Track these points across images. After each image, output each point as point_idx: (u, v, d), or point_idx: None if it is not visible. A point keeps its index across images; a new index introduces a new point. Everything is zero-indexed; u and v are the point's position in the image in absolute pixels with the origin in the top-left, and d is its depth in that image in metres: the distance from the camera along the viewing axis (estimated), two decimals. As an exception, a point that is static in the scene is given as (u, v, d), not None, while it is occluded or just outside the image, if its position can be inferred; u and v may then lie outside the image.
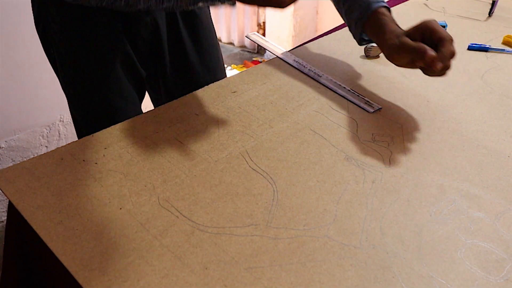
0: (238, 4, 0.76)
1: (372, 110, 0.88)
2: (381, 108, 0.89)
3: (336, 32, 1.16)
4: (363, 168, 0.75)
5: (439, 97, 0.92)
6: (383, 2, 0.90)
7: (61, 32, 0.91)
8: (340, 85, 0.94)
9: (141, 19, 0.94)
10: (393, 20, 0.89)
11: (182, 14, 1.01)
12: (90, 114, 0.97)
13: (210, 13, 1.11)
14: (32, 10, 0.95)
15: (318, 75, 0.97)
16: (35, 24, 0.96)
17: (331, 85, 0.94)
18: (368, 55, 1.04)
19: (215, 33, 1.13)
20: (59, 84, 0.99)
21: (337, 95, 0.91)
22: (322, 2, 2.68)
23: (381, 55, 1.05)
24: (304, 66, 0.99)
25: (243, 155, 0.76)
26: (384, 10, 0.89)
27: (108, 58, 0.93)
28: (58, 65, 0.96)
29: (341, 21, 1.22)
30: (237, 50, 3.03)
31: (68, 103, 1.00)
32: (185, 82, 1.06)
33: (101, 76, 0.94)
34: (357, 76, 0.98)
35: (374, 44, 1.07)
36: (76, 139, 0.77)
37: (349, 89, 0.93)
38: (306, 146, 0.78)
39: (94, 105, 0.96)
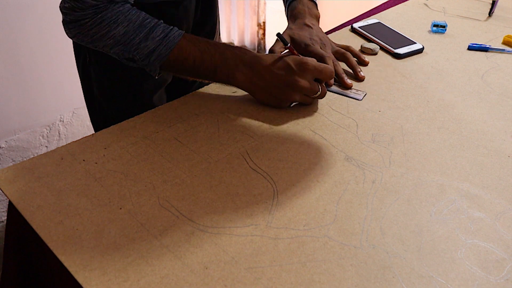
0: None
1: (360, 98, 0.90)
2: (366, 93, 0.91)
3: (336, 32, 1.16)
4: (363, 168, 0.75)
5: (439, 97, 0.92)
6: None
7: None
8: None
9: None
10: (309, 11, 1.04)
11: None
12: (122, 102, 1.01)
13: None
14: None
15: None
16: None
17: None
18: (364, 53, 1.04)
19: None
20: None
21: (336, 95, 0.91)
22: (322, 2, 2.68)
23: (379, 53, 1.05)
24: None
25: (243, 155, 0.76)
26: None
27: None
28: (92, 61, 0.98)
29: (341, 21, 1.22)
30: (237, 50, 3.02)
31: (94, 93, 1.02)
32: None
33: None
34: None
35: (371, 43, 1.07)
36: (76, 139, 0.77)
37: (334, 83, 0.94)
38: (306, 147, 0.78)
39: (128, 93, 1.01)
